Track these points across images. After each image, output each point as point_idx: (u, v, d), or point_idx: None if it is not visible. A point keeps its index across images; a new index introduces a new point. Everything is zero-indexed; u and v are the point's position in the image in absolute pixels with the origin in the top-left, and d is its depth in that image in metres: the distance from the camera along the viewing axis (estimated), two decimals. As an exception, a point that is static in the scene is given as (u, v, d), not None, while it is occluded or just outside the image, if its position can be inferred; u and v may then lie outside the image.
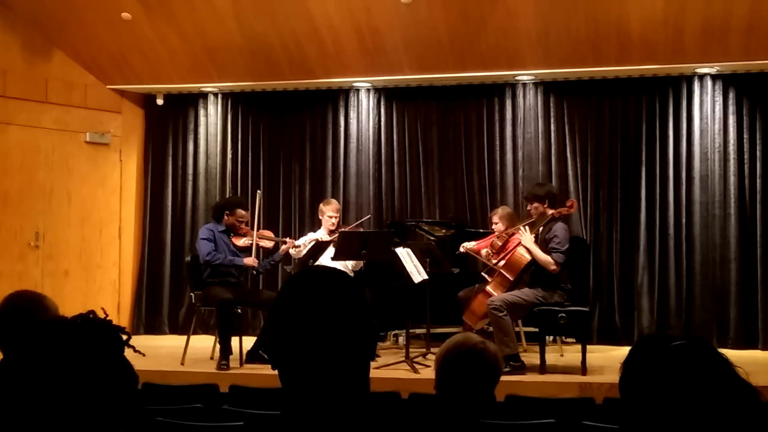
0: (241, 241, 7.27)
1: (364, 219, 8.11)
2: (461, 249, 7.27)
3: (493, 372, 2.72)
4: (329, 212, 7.49)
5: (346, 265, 7.32)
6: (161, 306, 9.17)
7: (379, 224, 8.72)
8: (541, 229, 6.76)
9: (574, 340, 7.72)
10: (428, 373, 6.30)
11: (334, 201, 7.82)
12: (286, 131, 9.15)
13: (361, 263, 7.38)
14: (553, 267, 6.54)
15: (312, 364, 1.45)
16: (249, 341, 7.24)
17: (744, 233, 8.00)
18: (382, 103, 8.90)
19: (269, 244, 7.47)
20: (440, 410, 2.73)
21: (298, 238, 7.74)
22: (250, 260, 7.16)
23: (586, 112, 8.47)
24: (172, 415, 3.83)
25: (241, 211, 7.32)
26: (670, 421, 1.56)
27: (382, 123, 8.89)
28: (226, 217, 7.30)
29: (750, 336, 7.92)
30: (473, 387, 2.68)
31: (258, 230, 7.34)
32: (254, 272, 7.46)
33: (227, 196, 8.88)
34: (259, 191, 7.81)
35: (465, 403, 2.68)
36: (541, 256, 6.56)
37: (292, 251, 7.42)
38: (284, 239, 7.57)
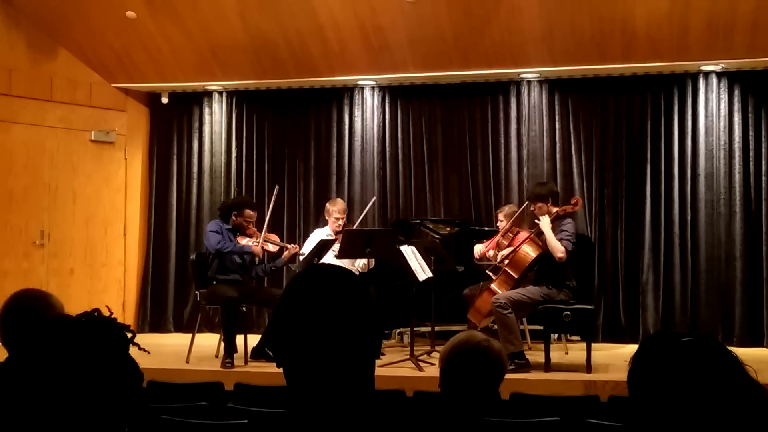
0: (245, 241, 7.27)
1: (369, 204, 8.03)
2: (477, 255, 7.25)
3: (497, 370, 2.72)
4: (336, 213, 7.50)
5: (354, 265, 7.32)
6: (166, 304, 9.18)
7: (384, 222, 8.72)
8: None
9: (578, 338, 7.71)
10: (433, 371, 6.30)
11: (340, 201, 7.81)
12: (291, 129, 9.15)
13: (369, 264, 7.37)
14: (561, 255, 6.53)
15: (317, 362, 1.45)
16: (254, 339, 7.24)
17: (749, 231, 7.99)
18: (387, 101, 8.90)
19: (274, 248, 7.46)
20: (445, 408, 2.73)
21: (303, 245, 7.73)
22: (258, 248, 7.18)
23: (590, 109, 8.45)
24: (177, 413, 3.84)
25: (249, 212, 7.32)
26: (678, 417, 1.56)
27: (387, 121, 8.89)
28: (234, 218, 7.29)
29: (755, 333, 7.90)
30: (478, 385, 2.68)
31: (265, 233, 7.33)
32: (254, 275, 7.47)
33: (232, 194, 8.90)
34: (277, 186, 7.79)
35: (470, 401, 2.68)
36: (553, 241, 6.57)
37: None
38: (289, 245, 7.55)
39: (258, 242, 7.20)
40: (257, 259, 7.35)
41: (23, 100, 8.33)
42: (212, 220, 7.59)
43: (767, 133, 8.02)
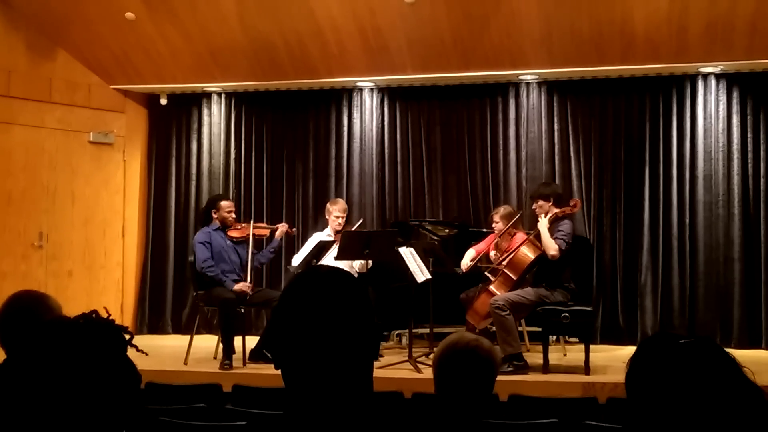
0: (237, 232, 7.31)
1: (357, 225, 7.94)
2: (463, 269, 7.18)
3: (488, 368, 2.71)
4: (336, 212, 7.51)
5: (352, 266, 7.32)
6: (164, 306, 9.18)
7: (383, 224, 8.71)
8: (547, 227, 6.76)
9: (577, 340, 7.72)
10: (431, 372, 6.28)
11: (341, 201, 7.81)
12: (290, 131, 9.15)
13: (368, 265, 7.36)
14: (553, 252, 6.53)
15: (315, 364, 1.45)
16: (252, 341, 7.25)
17: (748, 233, 7.99)
18: (386, 102, 8.90)
19: (265, 231, 7.53)
20: (442, 411, 2.73)
21: (302, 246, 7.73)
22: (240, 285, 7.08)
23: (589, 111, 8.46)
24: (175, 415, 3.84)
25: (224, 203, 7.39)
26: (675, 419, 1.56)
27: (386, 123, 8.89)
28: (214, 216, 7.33)
29: (753, 335, 7.90)
30: (470, 385, 2.68)
31: (252, 222, 7.44)
32: (257, 264, 7.48)
33: (230, 196, 8.89)
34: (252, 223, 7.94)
35: (465, 401, 2.67)
36: (548, 239, 6.57)
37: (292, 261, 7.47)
38: (277, 225, 7.56)
39: (247, 232, 7.27)
40: (254, 251, 7.31)
41: (22, 102, 8.32)
42: (199, 231, 7.45)
43: (765, 134, 8.02)
